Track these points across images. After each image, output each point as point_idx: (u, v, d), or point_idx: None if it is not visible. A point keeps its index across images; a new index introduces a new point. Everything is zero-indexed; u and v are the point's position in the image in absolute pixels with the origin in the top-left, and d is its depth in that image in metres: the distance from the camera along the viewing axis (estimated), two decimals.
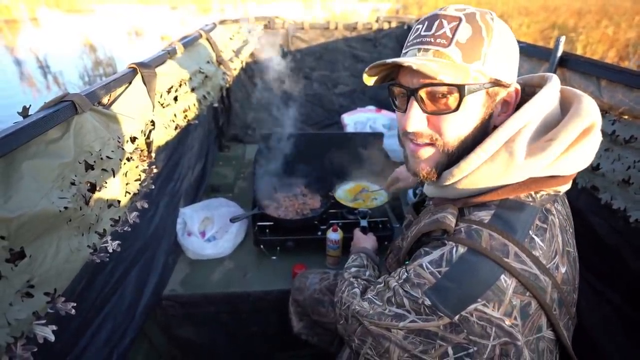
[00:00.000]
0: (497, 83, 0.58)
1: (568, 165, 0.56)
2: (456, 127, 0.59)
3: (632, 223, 0.94)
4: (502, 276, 0.52)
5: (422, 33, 0.58)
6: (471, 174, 0.59)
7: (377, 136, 1.97)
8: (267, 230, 1.55)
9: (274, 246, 1.55)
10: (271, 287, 1.43)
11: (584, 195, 1.11)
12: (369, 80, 0.65)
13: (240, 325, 1.48)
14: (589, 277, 1.15)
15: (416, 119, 0.59)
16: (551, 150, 0.54)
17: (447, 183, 0.62)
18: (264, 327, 1.48)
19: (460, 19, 0.56)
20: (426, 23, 0.59)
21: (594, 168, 1.05)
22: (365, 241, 1.19)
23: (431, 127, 0.60)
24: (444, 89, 0.56)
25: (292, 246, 1.53)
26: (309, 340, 1.19)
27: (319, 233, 1.56)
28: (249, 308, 1.44)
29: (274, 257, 1.56)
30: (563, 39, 1.18)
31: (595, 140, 0.57)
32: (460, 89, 0.55)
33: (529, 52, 1.41)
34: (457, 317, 0.52)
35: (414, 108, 0.59)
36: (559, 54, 1.19)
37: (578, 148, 0.55)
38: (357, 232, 1.25)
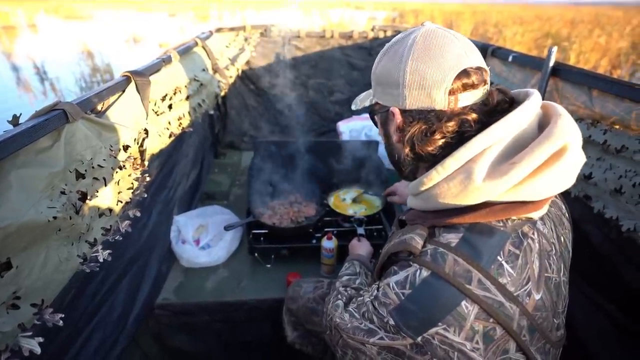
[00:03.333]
0: (380, 106, 0.67)
1: (537, 189, 0.53)
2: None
3: (624, 232, 0.95)
4: (464, 302, 0.51)
5: None
6: (432, 188, 0.58)
7: (372, 144, 1.98)
8: (262, 238, 1.54)
9: (269, 254, 1.55)
10: (265, 295, 1.42)
11: (577, 204, 1.12)
12: None
13: (234, 334, 1.46)
14: (584, 286, 1.15)
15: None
16: (512, 174, 0.51)
17: (415, 193, 0.63)
18: (258, 336, 1.47)
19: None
20: None
21: (586, 177, 1.06)
22: (359, 248, 1.19)
23: None
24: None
25: (287, 254, 1.53)
26: (302, 350, 1.18)
27: (314, 241, 1.55)
28: (243, 317, 1.43)
29: (269, 265, 1.55)
30: (555, 49, 1.20)
31: (570, 162, 0.53)
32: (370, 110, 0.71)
33: (522, 62, 1.43)
34: (419, 338, 0.53)
35: None
36: (551, 63, 1.20)
37: (548, 172, 0.52)
38: (353, 241, 1.25)
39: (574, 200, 1.12)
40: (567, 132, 0.53)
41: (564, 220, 0.67)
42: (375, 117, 0.72)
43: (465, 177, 0.54)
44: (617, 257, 1.05)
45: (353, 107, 0.76)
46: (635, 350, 1.00)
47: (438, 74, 0.56)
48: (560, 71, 1.19)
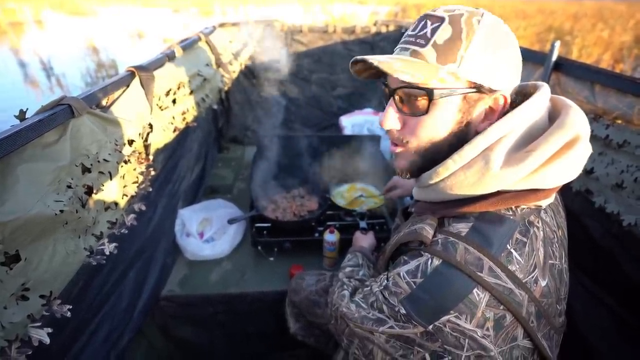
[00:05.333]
0: (477, 88, 0.56)
1: (549, 178, 0.55)
2: (427, 130, 0.59)
3: (625, 227, 0.95)
4: (475, 290, 0.52)
5: (409, 32, 0.59)
6: (447, 178, 0.59)
7: (374, 138, 1.98)
8: (265, 232, 1.56)
9: (272, 247, 1.56)
10: (268, 288, 1.43)
11: (578, 199, 1.12)
12: (360, 74, 0.66)
13: (237, 325, 1.48)
14: (584, 279, 1.15)
15: (390, 118, 0.61)
16: (528, 161, 0.53)
17: (426, 185, 0.63)
18: (261, 327, 1.49)
19: (442, 20, 0.55)
20: (416, 23, 0.59)
21: (587, 172, 1.06)
22: (363, 240, 1.20)
23: (405, 128, 0.61)
24: (415, 91, 0.56)
25: (290, 247, 1.54)
26: (305, 341, 1.20)
27: (316, 234, 1.56)
28: (247, 309, 1.45)
29: (272, 258, 1.57)
30: (558, 44, 1.19)
31: (580, 153, 0.55)
32: (429, 92, 0.55)
33: (524, 57, 1.40)
34: (431, 326, 0.53)
35: (390, 107, 0.61)
36: (554, 58, 1.20)
37: (560, 161, 0.54)
38: (357, 233, 1.26)
39: (576, 195, 1.12)
40: (579, 123, 0.55)
41: (560, 209, 0.69)
42: (438, 93, 0.56)
43: (483, 165, 0.55)
44: (617, 251, 1.05)
45: (406, 78, 0.54)
46: (634, 342, 1.01)
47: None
48: (563, 66, 1.19)
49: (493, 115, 0.59)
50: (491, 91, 0.57)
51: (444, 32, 0.55)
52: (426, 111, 0.57)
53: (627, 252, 1.02)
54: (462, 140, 0.59)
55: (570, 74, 1.17)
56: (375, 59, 0.55)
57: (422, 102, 0.57)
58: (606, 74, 1.04)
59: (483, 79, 0.56)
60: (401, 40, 0.61)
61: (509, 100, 0.59)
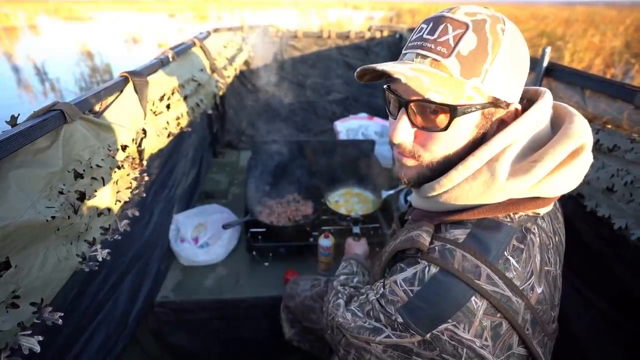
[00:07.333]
0: (495, 103, 0.54)
1: (552, 187, 0.54)
2: (442, 146, 0.56)
3: (616, 230, 0.96)
4: (473, 298, 0.51)
5: (425, 35, 0.53)
6: (452, 190, 0.57)
7: (369, 143, 1.99)
8: (260, 237, 1.55)
9: (266, 252, 1.56)
10: (263, 293, 1.43)
11: (570, 203, 1.13)
12: (362, 79, 0.60)
13: (232, 331, 1.48)
14: (576, 282, 1.16)
15: (403, 132, 0.56)
16: (535, 172, 0.52)
17: (428, 195, 0.62)
18: (256, 333, 1.48)
19: (467, 27, 0.50)
20: (431, 24, 0.53)
21: None
22: (356, 247, 1.19)
23: (417, 141, 0.58)
24: (436, 106, 0.52)
25: (284, 252, 1.54)
26: (300, 347, 1.19)
27: (311, 239, 1.56)
28: (241, 314, 1.44)
29: (266, 264, 1.57)
30: (549, 49, 1.21)
31: (584, 163, 0.54)
32: (452, 109, 0.51)
33: None
34: (428, 335, 0.53)
35: (403, 120, 0.56)
36: (545, 64, 1.21)
37: (564, 170, 0.53)
38: (349, 240, 1.26)
39: (567, 199, 1.13)
40: (584, 132, 0.54)
41: (558, 215, 0.68)
42: (461, 110, 0.52)
43: (489, 177, 0.54)
44: (609, 254, 1.06)
45: (439, 99, 0.50)
46: (626, 344, 1.01)
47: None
48: (554, 71, 1.20)
49: (504, 127, 0.56)
50: (507, 105, 0.55)
51: (469, 42, 0.50)
52: (446, 128, 0.53)
53: (618, 255, 1.03)
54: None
55: (561, 80, 1.18)
56: (403, 74, 0.49)
57: (442, 118, 0.53)
58: (596, 79, 1.05)
59: (503, 93, 0.53)
60: (414, 42, 0.54)
61: (519, 112, 0.57)
